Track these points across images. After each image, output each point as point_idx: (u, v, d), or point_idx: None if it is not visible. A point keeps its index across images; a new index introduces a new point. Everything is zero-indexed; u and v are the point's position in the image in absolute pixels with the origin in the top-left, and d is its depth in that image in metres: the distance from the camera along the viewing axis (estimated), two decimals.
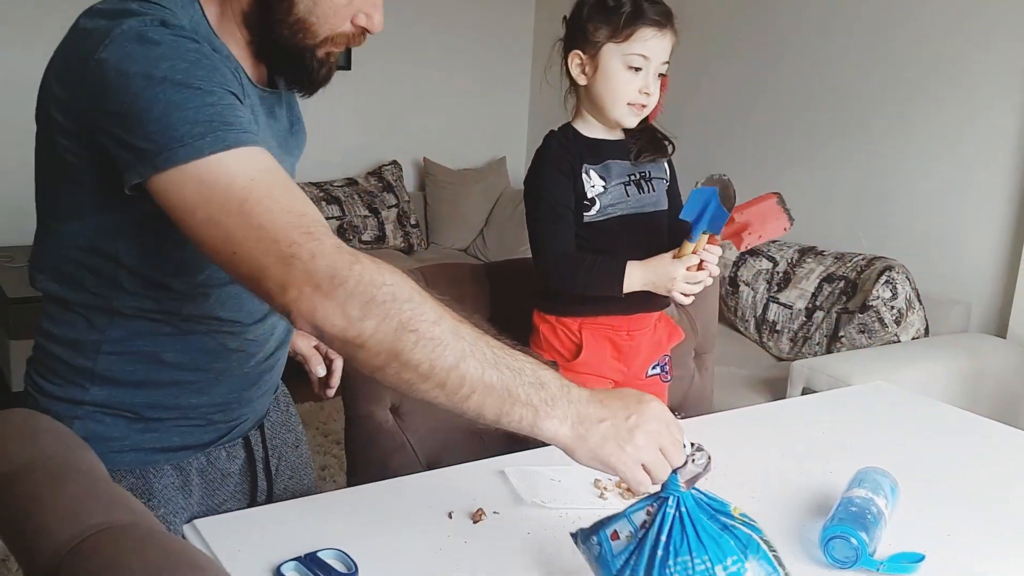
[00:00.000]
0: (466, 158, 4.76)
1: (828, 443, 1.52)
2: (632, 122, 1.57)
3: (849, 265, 3.01)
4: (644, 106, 1.54)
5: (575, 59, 1.55)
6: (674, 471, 0.93)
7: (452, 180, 4.57)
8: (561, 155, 1.57)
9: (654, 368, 1.69)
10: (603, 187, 1.57)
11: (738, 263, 3.26)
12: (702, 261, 1.52)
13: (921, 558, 1.12)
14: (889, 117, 3.15)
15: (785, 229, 1.53)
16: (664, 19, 1.51)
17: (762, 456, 1.44)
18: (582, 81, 1.56)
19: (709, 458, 0.93)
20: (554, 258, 1.56)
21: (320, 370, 1.36)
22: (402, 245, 4.36)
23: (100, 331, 1.09)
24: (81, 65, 0.95)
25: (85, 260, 1.07)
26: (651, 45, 1.50)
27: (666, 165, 1.67)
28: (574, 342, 1.62)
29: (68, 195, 1.05)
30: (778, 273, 3.18)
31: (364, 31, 1.09)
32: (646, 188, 1.62)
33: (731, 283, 3.25)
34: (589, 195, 1.57)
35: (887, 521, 1.17)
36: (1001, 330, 2.88)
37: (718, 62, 3.74)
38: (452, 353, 0.88)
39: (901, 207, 3.14)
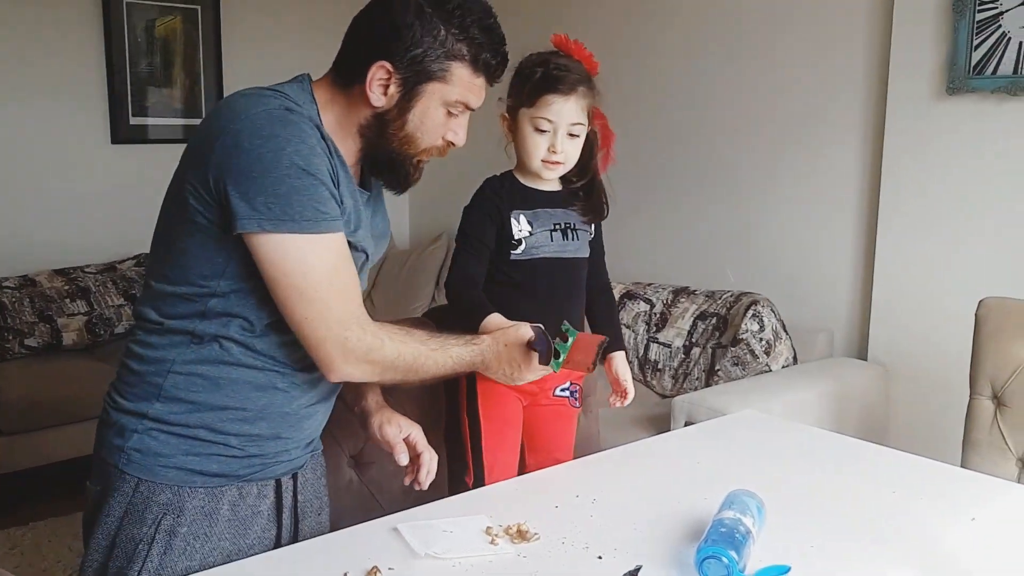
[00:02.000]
0: None
1: (702, 471, 1.62)
2: (549, 175, 1.71)
3: (719, 302, 3.18)
4: (557, 163, 1.68)
5: (504, 120, 1.71)
6: None
7: None
8: (490, 200, 1.71)
9: (563, 390, 1.79)
10: (529, 231, 1.71)
11: (618, 307, 3.39)
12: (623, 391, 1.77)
13: (787, 570, 1.21)
14: (750, 164, 3.36)
15: (588, 368, 1.47)
16: (570, 87, 1.64)
17: (643, 488, 1.53)
18: (509, 139, 1.72)
19: None
20: (459, 279, 1.70)
21: (403, 458, 1.53)
22: None
23: (177, 352, 1.31)
24: (218, 131, 1.23)
25: (185, 291, 1.30)
26: (555, 110, 1.63)
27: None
28: None
29: (185, 238, 1.28)
30: (655, 314, 3.32)
31: (451, 144, 1.39)
32: (571, 236, 1.75)
33: None
34: (516, 237, 1.70)
35: (755, 538, 1.26)
36: (862, 353, 3.09)
37: None
38: (430, 370, 1.40)
39: (765, 246, 3.35)
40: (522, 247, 1.70)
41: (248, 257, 1.26)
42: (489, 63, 1.34)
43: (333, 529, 1.47)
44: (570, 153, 1.68)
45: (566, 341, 1.44)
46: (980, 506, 1.47)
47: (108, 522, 1.34)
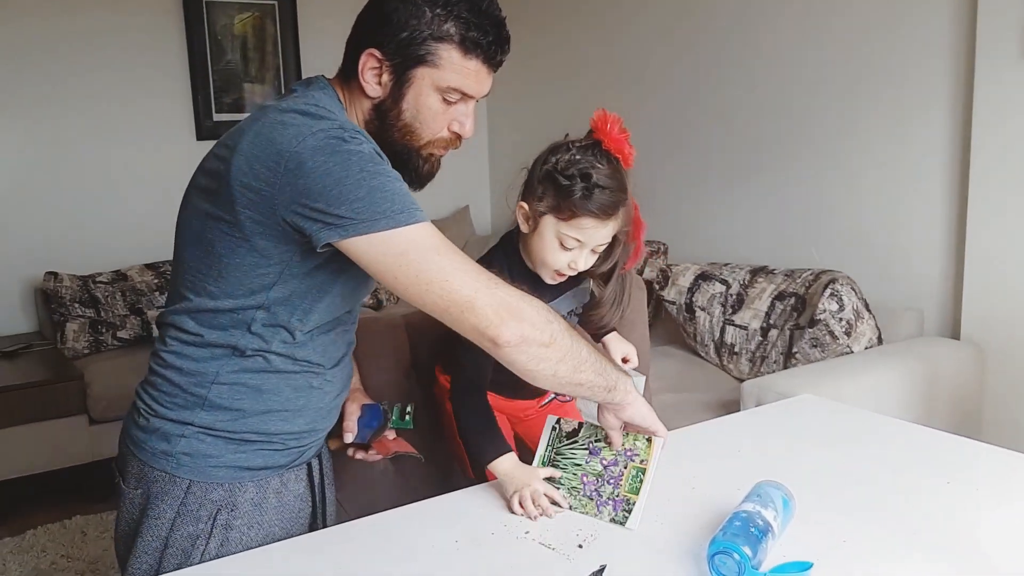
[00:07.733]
0: (432, 210, 4.81)
1: (742, 460, 1.54)
2: (556, 281, 1.57)
3: (798, 281, 3.03)
4: (569, 276, 1.55)
5: (521, 208, 1.54)
6: None
7: None
8: None
9: (549, 400, 1.75)
10: None
11: (692, 289, 3.28)
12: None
13: (808, 566, 1.13)
14: (830, 135, 3.20)
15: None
16: (609, 210, 1.47)
17: (679, 478, 1.46)
18: (524, 229, 1.55)
19: None
20: (465, 384, 1.56)
21: (347, 436, 1.53)
22: (370, 302, 4.39)
23: (220, 365, 1.31)
24: (276, 152, 1.18)
25: (231, 305, 1.28)
26: (588, 233, 1.48)
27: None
28: None
29: (232, 255, 1.25)
30: (731, 295, 3.20)
31: (458, 136, 1.34)
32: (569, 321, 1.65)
33: (687, 309, 3.28)
34: None
35: (776, 532, 1.18)
36: (955, 332, 2.90)
37: (662, 85, 3.80)
38: (586, 363, 1.28)
39: (848, 221, 3.18)
40: None
41: (301, 268, 1.25)
42: (479, 42, 1.26)
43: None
44: (587, 265, 1.54)
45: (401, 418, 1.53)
46: None
47: (158, 524, 1.34)
